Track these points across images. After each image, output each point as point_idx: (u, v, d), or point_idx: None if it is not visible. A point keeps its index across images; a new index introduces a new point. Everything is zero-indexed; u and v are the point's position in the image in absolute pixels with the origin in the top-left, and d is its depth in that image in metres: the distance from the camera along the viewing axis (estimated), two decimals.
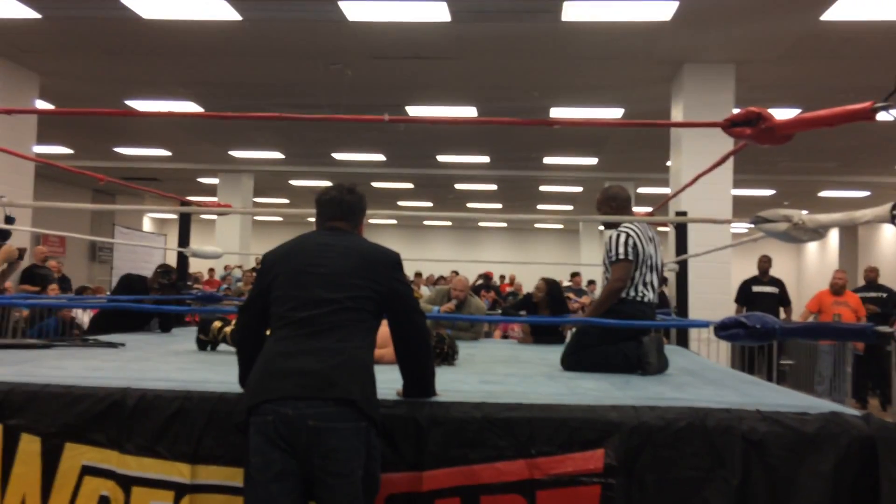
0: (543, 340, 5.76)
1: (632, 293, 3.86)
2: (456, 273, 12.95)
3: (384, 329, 2.57)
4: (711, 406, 2.56)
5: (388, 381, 2.64)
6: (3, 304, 6.13)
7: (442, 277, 16.52)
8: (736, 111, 2.74)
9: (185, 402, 2.59)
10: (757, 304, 8.85)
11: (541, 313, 6.01)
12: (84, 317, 7.75)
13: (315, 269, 2.40)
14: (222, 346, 4.46)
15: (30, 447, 2.61)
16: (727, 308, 7.92)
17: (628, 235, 3.88)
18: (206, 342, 4.40)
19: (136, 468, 2.54)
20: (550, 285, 6.14)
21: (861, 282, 10.50)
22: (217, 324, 4.37)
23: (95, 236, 17.48)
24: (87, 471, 2.58)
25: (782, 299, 9.13)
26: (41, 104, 10.09)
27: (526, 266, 18.58)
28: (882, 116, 2.43)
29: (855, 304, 8.67)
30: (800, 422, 2.43)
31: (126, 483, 2.54)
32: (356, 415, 2.20)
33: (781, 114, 2.75)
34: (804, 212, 2.87)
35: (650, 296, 3.90)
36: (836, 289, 8.73)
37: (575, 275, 15.53)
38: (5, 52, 8.80)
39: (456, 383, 3.07)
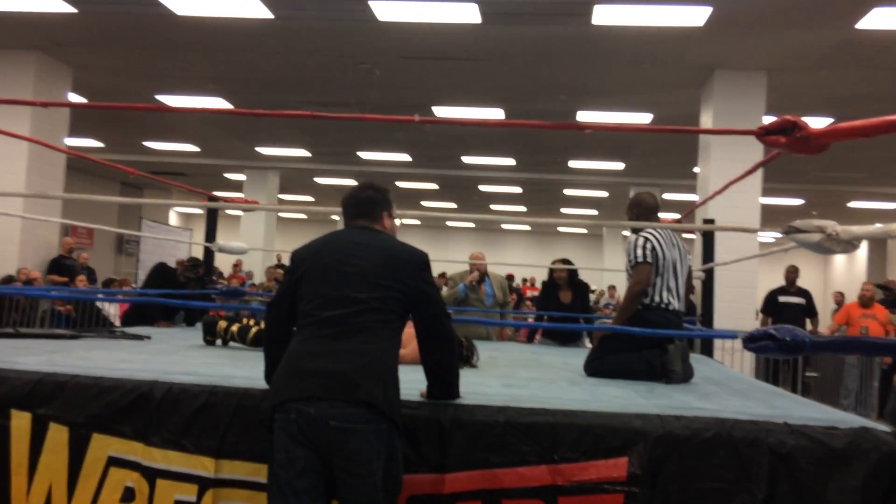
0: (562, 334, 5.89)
1: (656, 299, 3.82)
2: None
3: (406, 328, 2.57)
4: (738, 417, 2.53)
5: (412, 382, 2.64)
6: (34, 296, 6.21)
7: None
8: (766, 119, 2.71)
9: (210, 396, 2.61)
10: (783, 314, 8.74)
11: (563, 294, 6.09)
12: (111, 308, 7.85)
13: (342, 268, 2.41)
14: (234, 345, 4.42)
15: (58, 437, 2.64)
16: (752, 317, 7.83)
17: (647, 239, 3.86)
18: (213, 342, 4.32)
19: (161, 461, 2.56)
20: (570, 270, 6.25)
21: None
22: (222, 323, 4.30)
23: (123, 229, 17.71)
24: (114, 462, 2.61)
25: (809, 310, 9.02)
26: (74, 97, 10.24)
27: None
28: None
29: (883, 317, 8.54)
30: (828, 436, 2.39)
31: (151, 475, 2.56)
32: (378, 417, 2.21)
33: (813, 122, 2.72)
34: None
35: (675, 303, 3.86)
36: (865, 301, 8.60)
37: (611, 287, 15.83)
38: (40, 45, 8.94)
39: (479, 386, 3.06)
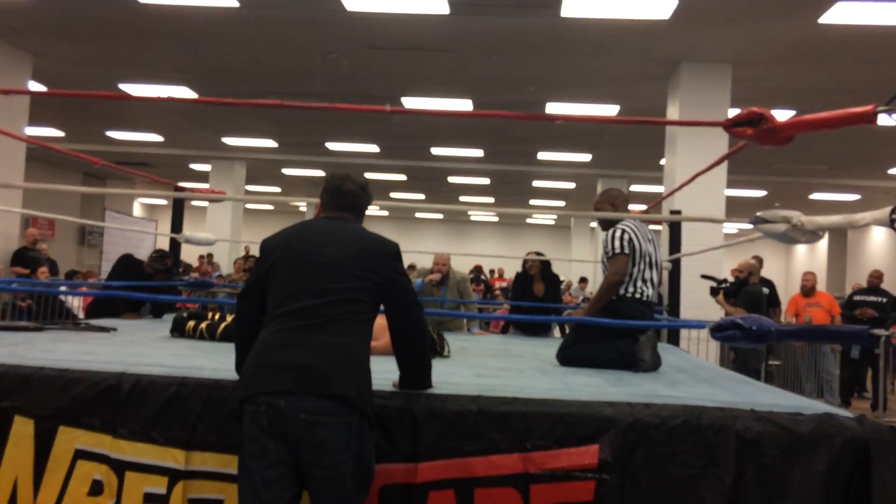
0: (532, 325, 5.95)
1: (630, 289, 3.88)
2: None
3: (378, 320, 2.56)
4: (706, 404, 2.57)
5: (385, 372, 2.65)
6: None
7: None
8: (731, 111, 2.75)
9: (180, 388, 2.58)
10: None
11: (536, 287, 6.13)
12: (74, 301, 7.71)
13: (314, 258, 2.39)
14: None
15: (23, 430, 2.60)
16: (717, 307, 7.95)
17: (624, 231, 3.92)
18: (180, 337, 4.26)
19: (129, 453, 2.54)
20: (543, 262, 6.30)
21: (848, 284, 10.66)
22: (191, 323, 4.25)
23: (85, 220, 17.39)
24: (81, 455, 2.57)
25: (772, 300, 9.18)
26: (34, 86, 10.00)
27: (517, 260, 18.60)
28: (883, 120, 2.44)
29: (827, 304, 8.66)
30: (794, 422, 2.44)
31: (119, 468, 2.53)
32: (348, 409, 2.20)
33: (776, 115, 2.76)
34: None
35: (649, 292, 3.92)
36: (806, 290, 8.76)
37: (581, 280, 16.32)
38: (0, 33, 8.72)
39: (451, 376, 3.07)
